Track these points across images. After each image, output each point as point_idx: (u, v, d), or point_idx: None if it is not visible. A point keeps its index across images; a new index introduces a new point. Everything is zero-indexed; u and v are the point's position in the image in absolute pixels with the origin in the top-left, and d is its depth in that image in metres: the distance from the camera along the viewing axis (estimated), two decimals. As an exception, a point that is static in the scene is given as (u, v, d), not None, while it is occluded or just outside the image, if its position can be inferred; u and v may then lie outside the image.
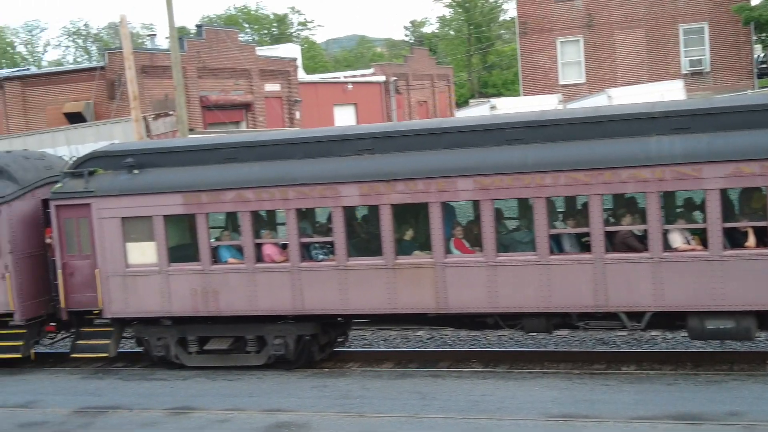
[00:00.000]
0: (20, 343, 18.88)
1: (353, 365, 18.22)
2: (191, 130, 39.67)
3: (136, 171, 17.98)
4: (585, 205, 16.03)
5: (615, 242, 15.69)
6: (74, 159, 19.31)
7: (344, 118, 58.69)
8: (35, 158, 20.02)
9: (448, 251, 16.42)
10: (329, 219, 17.21)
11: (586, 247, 15.88)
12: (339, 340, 18.92)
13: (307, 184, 16.86)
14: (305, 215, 17.55)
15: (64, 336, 20.24)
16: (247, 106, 52.04)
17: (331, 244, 17.04)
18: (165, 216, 17.75)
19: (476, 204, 16.52)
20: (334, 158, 16.98)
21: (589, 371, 16.54)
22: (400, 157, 16.54)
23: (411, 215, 16.99)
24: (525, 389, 15.59)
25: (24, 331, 18.93)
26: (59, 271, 18.29)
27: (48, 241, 18.70)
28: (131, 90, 32.96)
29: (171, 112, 38.39)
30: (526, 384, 15.94)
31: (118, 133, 37.46)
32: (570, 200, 17.25)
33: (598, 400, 14.71)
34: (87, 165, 18.42)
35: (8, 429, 15.62)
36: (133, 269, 17.95)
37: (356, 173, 16.64)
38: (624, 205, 16.33)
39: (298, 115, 56.02)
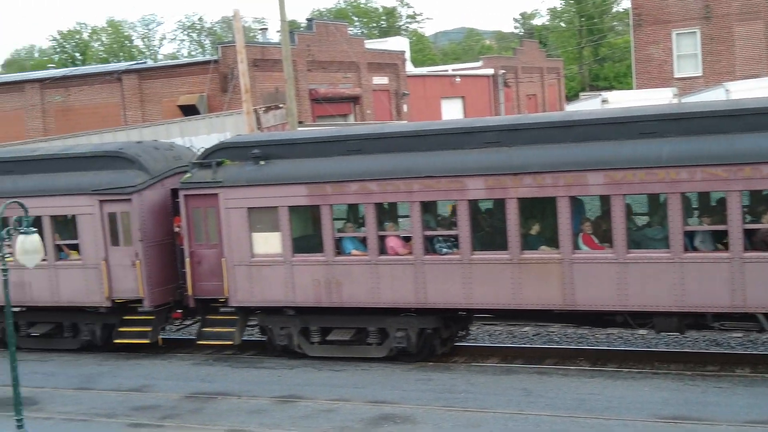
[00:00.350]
0: (148, 329, 19.41)
1: (458, 360, 18.08)
2: (300, 122, 40.10)
3: (262, 162, 18.20)
4: (721, 201, 15.44)
5: (754, 240, 15.07)
6: (202, 150, 19.67)
7: (451, 112, 58.42)
8: (164, 149, 20.52)
9: (576, 247, 16.08)
10: (454, 212, 17.06)
11: (719, 245, 15.30)
12: (460, 334, 18.77)
13: (432, 176, 16.76)
14: (429, 208, 17.45)
15: (190, 323, 20.69)
16: (355, 99, 52.30)
17: (455, 237, 16.90)
18: (290, 207, 17.93)
19: (606, 199, 16.10)
20: (460, 151, 16.81)
21: (701, 373, 16.04)
22: (528, 150, 16.26)
23: (538, 209, 16.70)
24: (634, 389, 15.21)
25: (152, 317, 19.45)
26: (187, 260, 18.69)
27: (176, 229, 19.14)
28: (243, 83, 33.53)
29: (281, 105, 38.90)
30: (636, 384, 15.54)
31: (230, 126, 38.14)
32: (704, 196, 16.63)
33: (710, 403, 14.24)
34: (215, 156, 18.75)
35: (122, 412, 16.09)
36: (258, 259, 18.19)
37: (482, 166, 16.45)
38: (764, 203, 15.65)
39: (405, 108, 56.01)
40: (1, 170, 20.34)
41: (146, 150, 19.93)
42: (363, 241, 17.65)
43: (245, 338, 19.74)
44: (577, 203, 16.40)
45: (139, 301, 19.24)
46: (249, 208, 18.19)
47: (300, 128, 34.87)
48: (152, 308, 19.23)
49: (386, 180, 17.11)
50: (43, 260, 19.33)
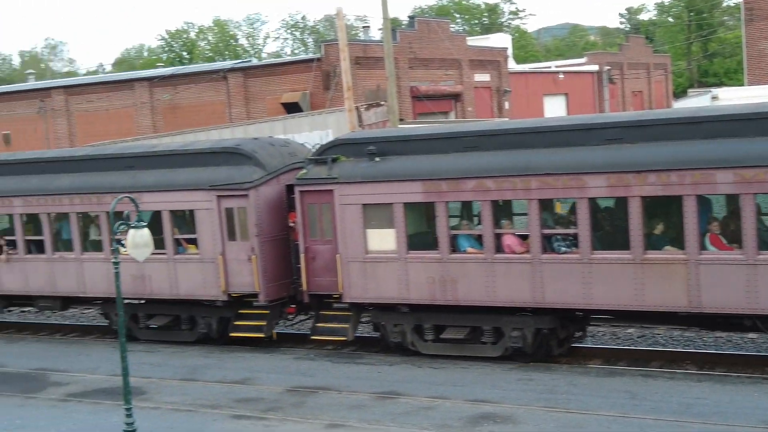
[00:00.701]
0: (263, 323, 19.63)
1: (560, 360, 17.73)
2: (401, 120, 40.06)
3: (377, 158, 18.19)
4: None
5: None
6: (318, 146, 19.78)
7: (554, 109, 57.58)
8: (280, 145, 20.72)
9: (702, 247, 15.52)
10: (573, 210, 16.71)
11: None
12: (577, 335, 18.39)
13: (551, 174, 16.43)
14: (547, 206, 17.13)
15: (303, 318, 20.86)
16: (456, 97, 52.04)
17: (574, 236, 16.55)
18: (405, 204, 17.86)
19: (735, 198, 15.50)
20: (580, 148, 16.44)
21: (816, 379, 15.37)
22: (652, 147, 15.77)
23: (662, 208, 16.20)
24: (744, 395, 14.68)
25: (267, 312, 19.65)
26: (302, 255, 18.82)
27: (291, 225, 19.30)
28: (345, 81, 33.66)
29: (382, 103, 38.92)
30: (745, 389, 15.00)
31: (332, 123, 38.40)
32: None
33: (823, 411, 13.62)
34: (330, 152, 18.83)
35: (226, 403, 16.33)
36: (372, 255, 18.18)
37: (604, 163, 16.04)
38: None
39: (507, 105, 55.48)
40: (122, 165, 20.86)
41: (262, 146, 20.15)
42: (478, 239, 17.45)
43: (372, 335, 19.82)
44: (704, 202, 15.84)
45: (255, 295, 19.45)
46: (364, 204, 18.19)
47: (401, 125, 34.83)
48: (267, 303, 19.43)
49: (503, 177, 16.86)
50: (163, 254, 19.97)
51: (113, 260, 13.18)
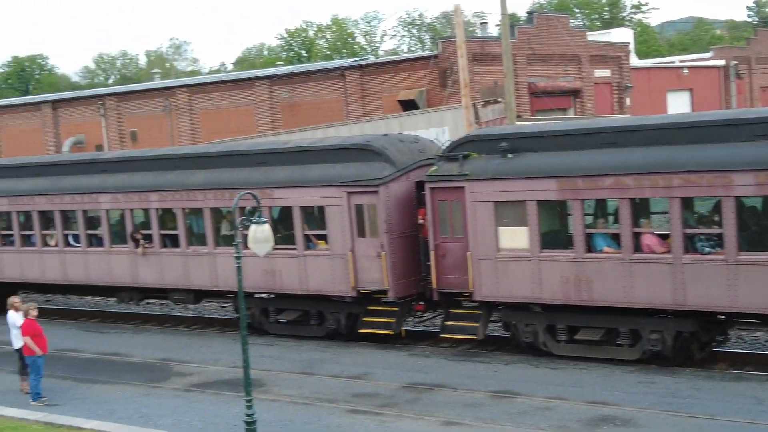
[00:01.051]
0: (392, 320, 19.59)
1: (684, 364, 17.00)
2: (519, 117, 39.47)
3: (509, 155, 17.88)
4: None
5: None
6: (449, 142, 19.61)
7: (678, 105, 55.76)
8: (409, 141, 20.65)
9: None
10: (717, 209, 16.02)
11: None
12: (719, 339, 17.65)
13: (695, 171, 15.79)
14: (690, 204, 16.48)
15: (431, 316, 20.74)
16: (575, 93, 51.01)
17: (719, 236, 15.86)
18: (538, 201, 17.50)
19: None
20: (726, 144, 15.75)
21: None
22: (807, 143, 14.97)
23: (817, 208, 15.38)
24: None
25: (396, 308, 19.59)
26: (432, 253, 18.67)
27: (422, 220, 19.19)
28: (462, 78, 33.35)
29: (499, 99, 38.43)
30: None
31: (449, 120, 38.16)
32: None
33: None
34: (461, 149, 18.62)
35: (343, 398, 16.42)
36: (504, 254, 17.89)
37: (752, 160, 15.31)
38: None
39: (628, 101, 54.05)
40: (254, 162, 21.15)
41: (392, 142, 20.11)
42: (615, 238, 16.94)
43: (501, 335, 19.60)
44: None
45: (383, 292, 19.43)
46: (496, 201, 17.92)
47: (518, 122, 34.32)
48: (396, 300, 19.37)
49: (643, 174, 16.30)
50: (293, 249, 20.18)
51: (236, 255, 13.40)
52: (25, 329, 17.36)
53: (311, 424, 15.11)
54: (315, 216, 20.53)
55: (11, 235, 25.75)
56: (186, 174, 22.15)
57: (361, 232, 19.49)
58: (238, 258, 13.42)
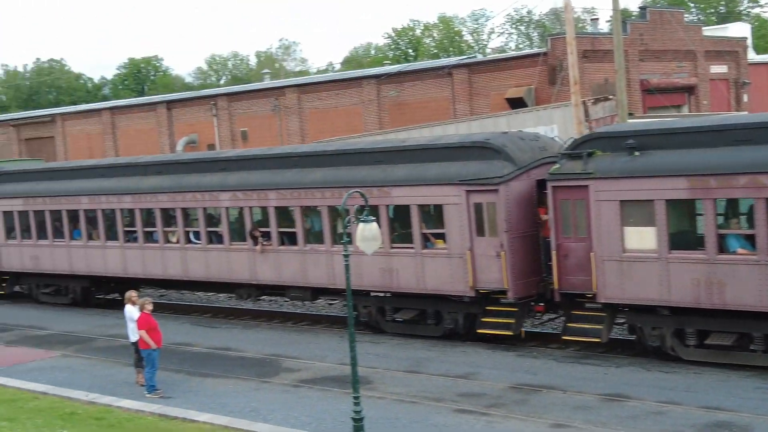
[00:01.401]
0: (511, 321, 19.31)
1: None
2: (630, 114, 38.45)
3: (636, 153, 17.35)
4: None
5: None
6: (571, 140, 19.20)
7: (800, 101, 53.47)
8: (530, 139, 20.32)
9: None
10: None
11: None
12: None
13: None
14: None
15: (550, 317, 20.37)
16: (689, 89, 49.47)
17: None
18: (667, 200, 16.92)
19: None
20: None
21: None
22: None
23: None
24: None
25: (515, 309, 19.29)
26: (553, 253, 18.29)
27: (544, 218, 18.83)
28: (572, 75, 32.61)
29: (610, 97, 37.52)
30: None
31: (557, 118, 37.51)
32: None
33: None
34: (585, 146, 18.18)
35: (449, 397, 16.27)
36: (630, 254, 17.37)
37: None
38: None
39: (745, 98, 52.15)
40: (372, 160, 21.14)
41: (512, 140, 19.81)
42: (750, 239, 16.23)
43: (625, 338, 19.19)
44: None
45: (502, 292, 19.16)
46: (621, 201, 17.42)
47: (629, 120, 33.42)
48: (515, 300, 19.08)
49: (782, 173, 15.57)
50: (410, 248, 20.11)
51: (344, 253, 13.46)
52: (141, 323, 17.78)
53: (418, 422, 15.07)
54: (433, 214, 20.38)
55: (134, 232, 26.46)
56: (304, 172, 22.30)
57: (480, 231, 19.25)
58: (346, 256, 13.49)
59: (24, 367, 21.25)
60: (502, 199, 18.85)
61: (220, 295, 28.86)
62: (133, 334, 18.21)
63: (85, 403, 17.57)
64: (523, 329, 19.77)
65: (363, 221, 13.42)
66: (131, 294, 18.73)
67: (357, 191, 14.33)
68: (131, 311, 18.26)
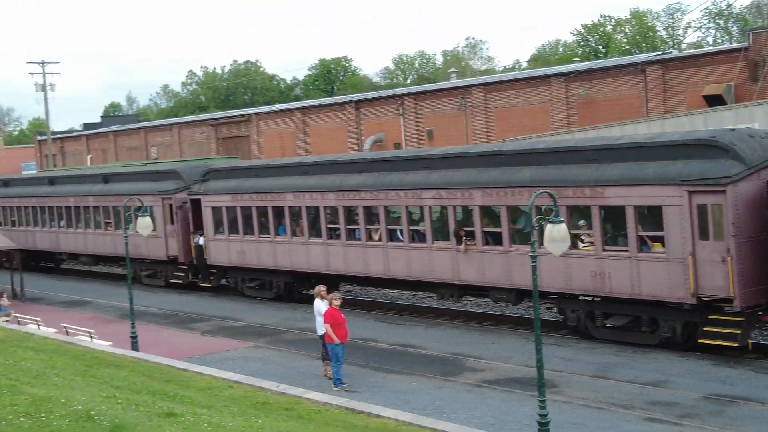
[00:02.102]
0: (737, 331, 17.82)
1: None
2: None
3: None
4: None
5: None
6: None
7: None
8: (760, 137, 18.68)
9: None
10: None
11: None
12: None
13: None
14: None
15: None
16: None
17: None
18: None
19: None
20: None
21: None
22: None
23: None
24: None
25: (742, 318, 17.72)
26: (791, 260, 16.54)
27: (776, 224, 17.13)
28: (777, 70, 30.06)
29: None
30: None
31: (759, 116, 35.15)
32: None
33: None
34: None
35: (639, 405, 15.62)
36: None
37: None
38: None
39: None
40: (583, 159, 20.02)
41: (741, 138, 18.24)
42: None
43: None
44: None
45: (728, 300, 17.67)
46: None
47: None
48: (743, 309, 17.49)
49: None
50: (625, 251, 18.85)
51: (531, 254, 13.09)
52: (327, 317, 17.95)
53: (605, 429, 14.41)
54: (650, 216, 18.99)
55: (337, 229, 26.33)
56: (511, 171, 21.45)
57: (704, 235, 17.78)
58: (533, 257, 13.05)
59: (219, 356, 21.81)
60: (729, 201, 17.34)
61: (404, 292, 28.49)
62: (321, 328, 18.42)
63: (276, 394, 17.62)
64: (750, 341, 18.07)
65: (551, 222, 13.00)
66: (320, 288, 18.99)
67: (546, 191, 13.81)
68: (320, 305, 18.48)
